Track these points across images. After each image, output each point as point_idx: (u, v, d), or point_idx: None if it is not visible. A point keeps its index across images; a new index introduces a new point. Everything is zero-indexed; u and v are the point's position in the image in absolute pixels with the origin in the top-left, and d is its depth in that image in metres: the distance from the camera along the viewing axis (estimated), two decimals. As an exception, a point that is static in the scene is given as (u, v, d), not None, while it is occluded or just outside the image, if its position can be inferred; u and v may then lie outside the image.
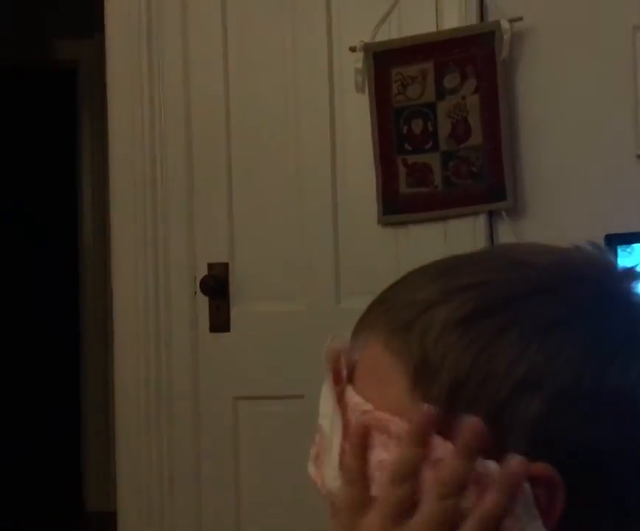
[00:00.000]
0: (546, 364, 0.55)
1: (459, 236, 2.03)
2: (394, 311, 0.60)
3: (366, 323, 0.62)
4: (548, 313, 0.56)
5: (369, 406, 0.58)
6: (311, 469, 0.63)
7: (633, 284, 0.60)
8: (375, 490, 0.56)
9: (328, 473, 0.59)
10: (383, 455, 0.57)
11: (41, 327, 4.91)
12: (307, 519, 0.49)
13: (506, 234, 2.00)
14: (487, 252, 0.64)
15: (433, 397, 0.56)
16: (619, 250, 1.74)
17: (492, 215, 2.02)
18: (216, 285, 2.23)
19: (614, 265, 0.61)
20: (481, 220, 2.02)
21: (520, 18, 1.98)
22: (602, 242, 1.72)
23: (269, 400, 2.21)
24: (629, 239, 1.75)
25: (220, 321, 2.26)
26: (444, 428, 0.55)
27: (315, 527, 0.60)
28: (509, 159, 1.98)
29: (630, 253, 1.74)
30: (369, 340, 0.60)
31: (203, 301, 2.26)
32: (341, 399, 0.60)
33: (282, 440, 2.16)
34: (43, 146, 4.92)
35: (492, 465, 0.54)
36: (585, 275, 0.59)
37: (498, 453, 0.54)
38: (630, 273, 0.60)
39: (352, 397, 0.60)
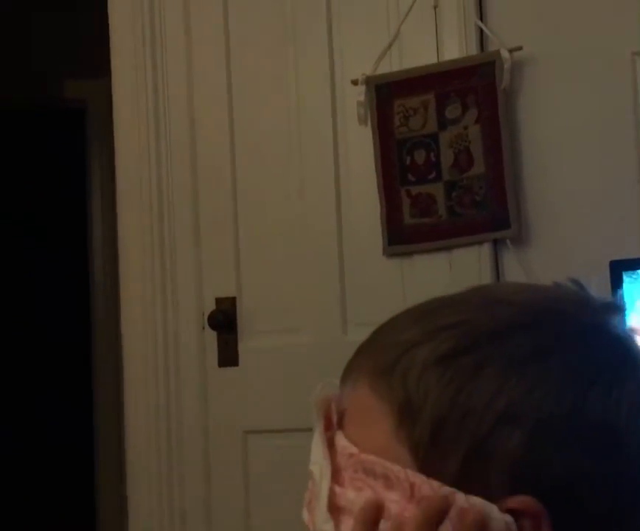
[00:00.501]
0: (525, 397, 0.55)
1: (464, 265, 2.03)
2: (377, 354, 0.61)
3: (353, 367, 0.63)
4: (526, 347, 0.57)
5: (354, 449, 0.59)
6: (305, 514, 0.64)
7: (613, 317, 0.60)
8: None
9: (319, 517, 0.60)
10: (371, 497, 0.58)
11: (53, 365, 4.92)
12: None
13: (511, 262, 2.00)
14: (468, 293, 0.65)
15: (417, 436, 0.57)
16: (624, 276, 1.73)
17: (496, 244, 2.02)
18: (224, 320, 2.24)
19: (593, 299, 0.62)
20: (486, 249, 2.02)
21: (520, 48, 1.99)
22: (606, 268, 1.73)
23: (279, 433, 2.21)
24: (634, 265, 1.75)
25: (228, 356, 2.26)
26: (429, 467, 0.56)
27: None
28: (512, 187, 1.98)
29: (635, 279, 1.73)
30: (357, 383, 0.61)
31: (211, 335, 2.27)
32: (331, 444, 0.62)
33: (293, 473, 2.14)
34: (53, 185, 4.96)
35: (477, 501, 0.54)
36: (563, 310, 0.60)
37: (484, 488, 0.55)
38: (609, 307, 0.61)
39: (340, 440, 0.61)
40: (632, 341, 0.60)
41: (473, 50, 2.06)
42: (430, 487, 0.55)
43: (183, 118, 2.30)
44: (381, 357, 0.61)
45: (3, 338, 4.86)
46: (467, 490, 0.55)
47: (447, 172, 2.03)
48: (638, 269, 1.74)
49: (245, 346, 2.25)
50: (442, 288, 2.01)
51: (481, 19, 2.06)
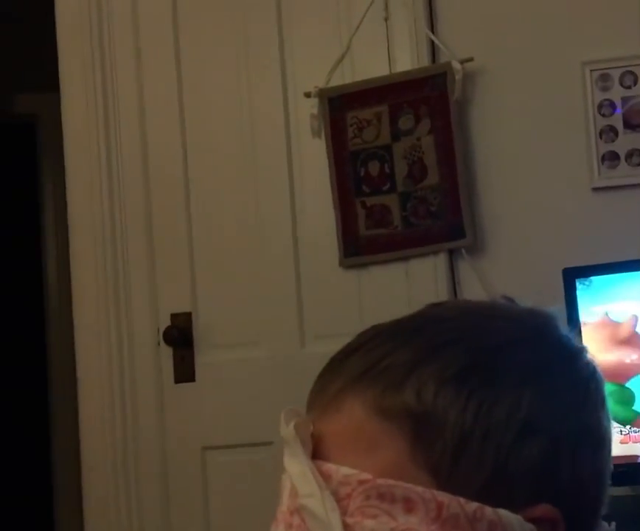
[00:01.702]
0: (541, 408, 0.58)
1: (421, 274, 2.04)
2: (371, 375, 0.59)
3: (329, 393, 0.60)
4: (532, 360, 0.59)
5: (365, 475, 0.56)
6: None
7: (563, 323, 0.64)
8: None
9: None
10: (392, 523, 0.56)
11: (10, 384, 4.84)
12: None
13: (467, 271, 2.02)
14: (445, 311, 0.64)
15: (437, 455, 0.56)
16: (577, 283, 1.75)
17: (452, 253, 2.04)
18: (180, 335, 2.22)
19: (546, 312, 0.64)
20: (442, 258, 2.03)
21: (471, 59, 2.01)
22: (560, 275, 1.75)
23: (237, 448, 2.19)
24: (586, 272, 1.77)
25: (184, 372, 2.24)
26: (451, 485, 0.56)
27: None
28: (466, 197, 2.00)
29: (587, 285, 1.75)
30: (344, 407, 0.59)
31: (167, 352, 2.25)
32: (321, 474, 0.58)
33: (252, 488, 2.14)
34: (4, 198, 4.88)
35: (504, 513, 0.56)
36: (545, 323, 0.63)
37: (507, 500, 0.56)
38: (554, 316, 0.64)
39: (336, 469, 0.58)
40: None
41: (425, 62, 2.07)
42: (458, 504, 0.55)
43: (134, 132, 2.28)
44: (376, 379, 0.58)
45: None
46: (492, 503, 0.56)
47: (401, 183, 2.04)
48: (590, 276, 1.76)
49: (201, 361, 2.23)
50: (399, 298, 2.03)
51: (432, 31, 2.07)
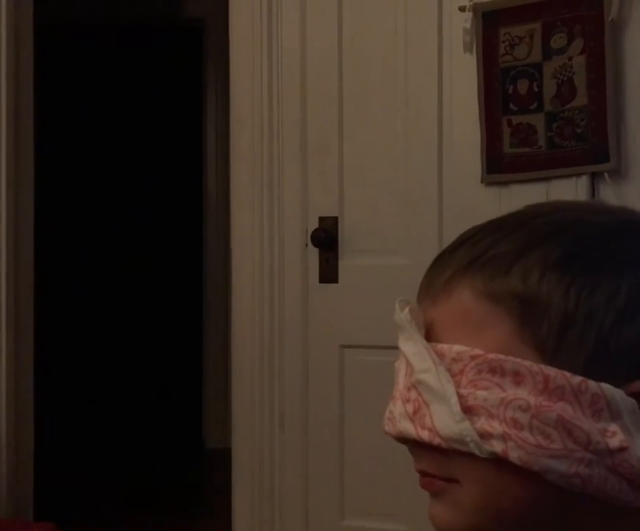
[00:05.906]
0: (639, 295, 0.61)
1: (561, 196, 2.03)
2: (478, 264, 0.63)
3: (438, 283, 0.65)
4: (631, 249, 0.63)
5: (477, 351, 0.61)
6: (405, 425, 0.65)
7: None
8: (499, 427, 0.60)
9: (445, 422, 0.62)
10: (502, 394, 0.60)
11: (168, 275, 5.16)
12: (408, 459, 0.54)
13: (608, 195, 2.00)
14: (545, 207, 0.69)
15: (543, 334, 0.61)
16: None
17: (594, 177, 2.03)
18: (326, 238, 2.33)
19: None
20: (584, 181, 2.03)
21: (631, -22, 1.97)
22: None
23: (373, 349, 2.29)
24: None
25: (329, 273, 2.36)
26: (557, 362, 0.60)
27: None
28: (613, 121, 1.98)
29: None
30: (454, 293, 0.64)
31: (314, 253, 2.36)
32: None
33: (384, 388, 2.24)
34: (171, 100, 5.12)
35: (606, 387, 0.60)
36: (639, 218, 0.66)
37: (610, 377, 0.60)
38: None
39: (449, 348, 0.63)
40: None
41: (583, -21, 2.04)
42: (564, 377, 0.60)
43: (294, 43, 2.37)
44: (485, 266, 0.63)
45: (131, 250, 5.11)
46: (595, 379, 0.60)
47: (548, 103, 2.04)
48: None
49: (344, 264, 2.34)
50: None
51: (593, -53, 2.03)
